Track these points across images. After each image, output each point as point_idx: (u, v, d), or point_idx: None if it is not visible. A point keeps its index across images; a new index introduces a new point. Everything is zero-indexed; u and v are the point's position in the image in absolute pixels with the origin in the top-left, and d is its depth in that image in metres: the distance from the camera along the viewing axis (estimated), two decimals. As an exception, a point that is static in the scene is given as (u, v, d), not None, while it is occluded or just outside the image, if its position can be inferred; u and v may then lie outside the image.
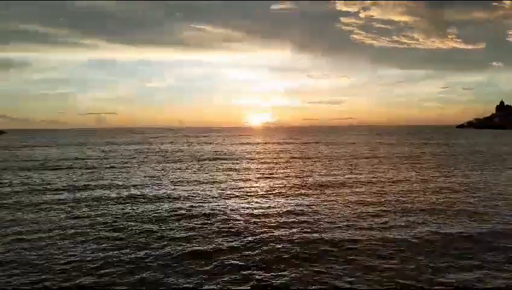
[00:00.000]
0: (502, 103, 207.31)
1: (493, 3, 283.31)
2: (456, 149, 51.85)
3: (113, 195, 19.34)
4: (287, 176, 26.10)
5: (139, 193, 19.81)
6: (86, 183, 23.22)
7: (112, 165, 34.01)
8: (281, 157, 41.47)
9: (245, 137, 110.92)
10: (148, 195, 19.31)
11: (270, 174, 27.55)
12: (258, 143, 76.18)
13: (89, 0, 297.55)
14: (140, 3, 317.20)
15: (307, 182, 23.44)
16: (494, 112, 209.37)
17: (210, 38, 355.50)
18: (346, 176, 25.68)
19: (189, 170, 29.73)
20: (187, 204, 17.14)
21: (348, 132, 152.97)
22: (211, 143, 76.13)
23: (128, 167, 32.01)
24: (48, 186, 22.17)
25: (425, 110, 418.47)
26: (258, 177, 25.79)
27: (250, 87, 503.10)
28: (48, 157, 42.95)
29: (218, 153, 48.75)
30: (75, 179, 24.99)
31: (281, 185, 22.33)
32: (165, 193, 19.96)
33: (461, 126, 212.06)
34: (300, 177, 25.41)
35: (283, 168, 30.90)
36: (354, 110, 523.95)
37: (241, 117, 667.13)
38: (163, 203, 17.38)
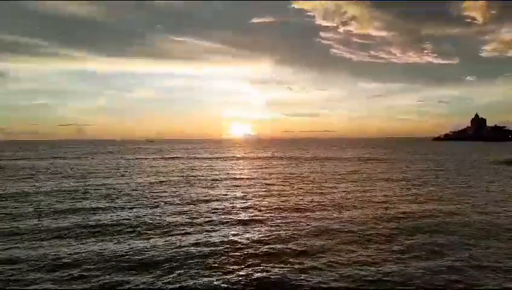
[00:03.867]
0: (476, 115, 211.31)
1: (466, 20, 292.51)
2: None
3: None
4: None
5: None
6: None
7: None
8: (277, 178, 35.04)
9: (228, 151, 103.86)
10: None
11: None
12: (246, 158, 69.47)
13: (67, 0, 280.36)
14: (121, 15, 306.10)
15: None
16: (469, 124, 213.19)
17: (191, 51, 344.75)
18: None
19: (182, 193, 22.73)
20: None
21: (327, 144, 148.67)
22: (195, 157, 68.81)
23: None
24: None
25: (403, 123, 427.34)
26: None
27: (231, 99, 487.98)
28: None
29: (208, 173, 41.81)
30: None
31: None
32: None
33: (438, 138, 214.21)
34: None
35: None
36: (333, 123, 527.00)
37: (222, 129, 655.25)
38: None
